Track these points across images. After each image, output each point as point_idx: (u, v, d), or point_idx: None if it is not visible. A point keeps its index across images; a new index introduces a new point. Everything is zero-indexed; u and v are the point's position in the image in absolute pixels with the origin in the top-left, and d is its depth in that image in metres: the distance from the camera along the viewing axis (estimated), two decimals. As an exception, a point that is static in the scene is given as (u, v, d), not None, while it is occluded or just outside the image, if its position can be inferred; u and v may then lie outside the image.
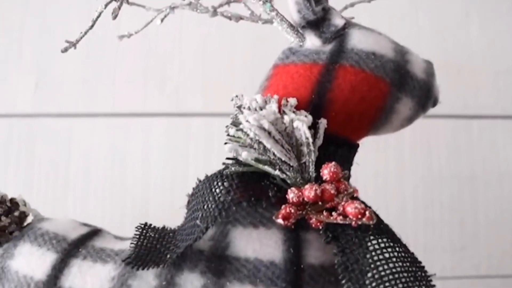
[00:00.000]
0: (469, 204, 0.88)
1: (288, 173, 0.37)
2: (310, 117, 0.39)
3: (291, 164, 0.37)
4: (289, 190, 0.37)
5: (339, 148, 0.41)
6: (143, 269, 0.37)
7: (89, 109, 0.89)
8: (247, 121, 0.37)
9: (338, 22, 0.44)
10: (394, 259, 0.35)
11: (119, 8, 0.50)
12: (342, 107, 0.41)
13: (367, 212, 0.35)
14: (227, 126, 0.39)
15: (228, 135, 0.39)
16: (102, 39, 0.89)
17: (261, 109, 0.38)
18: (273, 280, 0.37)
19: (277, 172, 0.37)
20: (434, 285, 0.36)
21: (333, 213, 0.36)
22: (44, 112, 0.89)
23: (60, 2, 0.92)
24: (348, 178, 0.41)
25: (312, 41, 0.45)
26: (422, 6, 0.93)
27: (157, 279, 0.38)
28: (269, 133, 0.37)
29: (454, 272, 0.86)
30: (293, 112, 0.39)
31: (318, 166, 0.38)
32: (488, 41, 0.93)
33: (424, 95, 0.45)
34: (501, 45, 0.93)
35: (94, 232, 0.45)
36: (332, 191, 0.36)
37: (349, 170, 0.43)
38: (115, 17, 0.49)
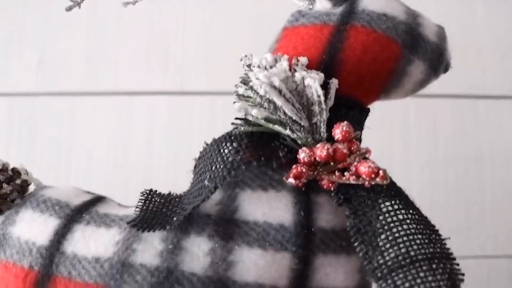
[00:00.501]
0: (475, 184, 0.87)
1: (298, 133, 0.36)
2: (322, 75, 0.38)
3: (302, 124, 0.36)
4: (300, 150, 0.36)
5: (351, 110, 0.40)
6: (148, 231, 0.35)
7: (92, 88, 0.87)
8: (257, 78, 0.35)
9: None
10: (408, 221, 0.34)
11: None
12: (353, 68, 0.40)
13: (380, 172, 0.34)
14: (236, 85, 0.38)
15: (237, 94, 0.38)
16: (104, 16, 0.88)
17: (271, 67, 0.37)
18: (283, 244, 0.35)
19: (287, 132, 0.36)
20: (449, 248, 0.35)
21: (346, 173, 0.35)
22: (46, 91, 0.87)
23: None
24: (360, 140, 0.40)
25: (322, 3, 0.44)
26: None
27: (163, 243, 0.37)
28: (280, 91, 0.35)
29: (460, 252, 0.84)
30: (304, 70, 0.38)
31: (329, 128, 0.37)
32: (495, 21, 0.91)
33: (436, 59, 0.44)
34: (508, 25, 0.91)
35: (98, 199, 0.44)
36: (345, 151, 0.35)
37: (360, 134, 0.42)
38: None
